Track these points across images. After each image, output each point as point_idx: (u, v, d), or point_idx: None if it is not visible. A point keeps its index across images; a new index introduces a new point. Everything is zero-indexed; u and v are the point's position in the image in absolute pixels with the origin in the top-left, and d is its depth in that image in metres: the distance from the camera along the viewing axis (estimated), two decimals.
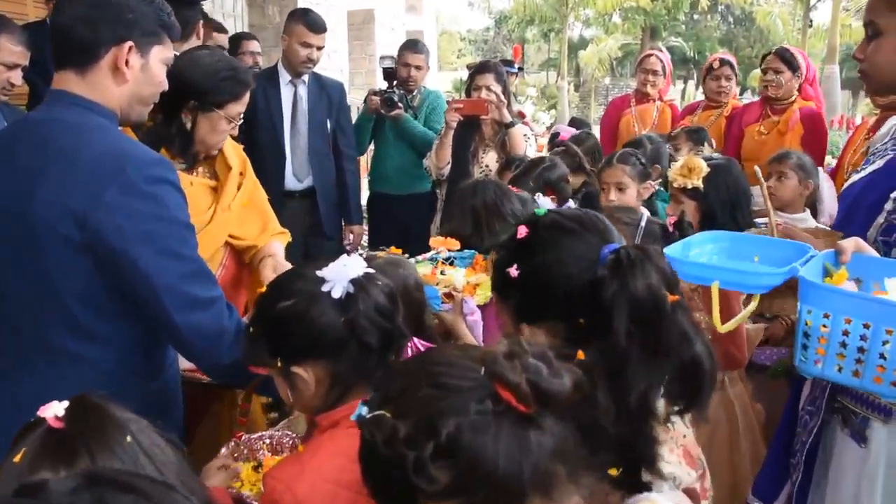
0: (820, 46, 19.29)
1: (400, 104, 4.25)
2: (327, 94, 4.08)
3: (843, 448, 1.71)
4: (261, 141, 3.80)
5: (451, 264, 2.26)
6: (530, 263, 1.21)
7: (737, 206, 2.40)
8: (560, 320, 1.19)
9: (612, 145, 4.96)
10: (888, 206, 1.67)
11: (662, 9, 26.19)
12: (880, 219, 1.68)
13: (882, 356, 1.37)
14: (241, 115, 2.18)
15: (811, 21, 19.64)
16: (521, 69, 5.89)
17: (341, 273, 1.33)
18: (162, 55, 1.64)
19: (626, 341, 1.07)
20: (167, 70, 2.05)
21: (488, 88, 3.74)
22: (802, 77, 4.21)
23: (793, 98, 4.22)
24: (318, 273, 1.34)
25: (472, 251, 2.32)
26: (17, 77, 3.05)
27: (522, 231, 1.24)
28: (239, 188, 2.29)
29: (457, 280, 2.12)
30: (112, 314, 1.56)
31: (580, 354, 0.96)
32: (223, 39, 4.66)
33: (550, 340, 1.19)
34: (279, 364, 1.35)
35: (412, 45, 4.57)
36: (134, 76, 1.59)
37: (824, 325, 1.41)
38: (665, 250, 1.56)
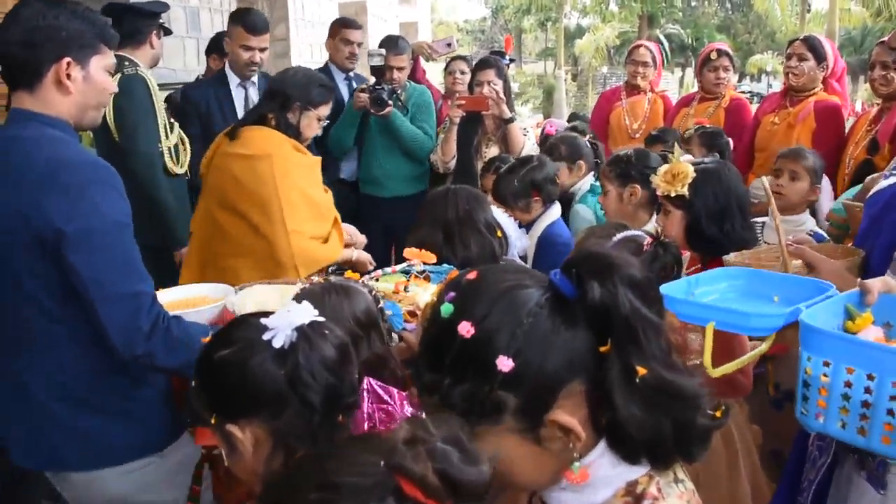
0: (818, 31, 19.18)
1: (390, 102, 4.00)
2: None
3: (860, 493, 1.52)
4: None
5: (425, 278, 2.14)
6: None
7: (725, 216, 2.17)
8: None
9: (603, 139, 4.86)
10: None
11: None
12: None
13: (890, 413, 1.18)
14: (326, 118, 2.83)
15: (809, 6, 19.48)
16: (512, 60, 5.76)
17: (285, 320, 1.20)
18: (102, 63, 1.78)
19: None
20: (279, 80, 2.75)
21: (489, 84, 3.84)
22: (828, 69, 3.95)
23: (815, 89, 3.95)
24: (262, 320, 1.22)
25: (449, 266, 2.20)
26: None
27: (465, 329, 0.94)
28: None
29: (421, 298, 1.98)
30: (74, 297, 1.69)
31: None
32: (355, 35, 4.39)
33: None
34: (214, 421, 1.22)
35: (393, 45, 4.17)
36: (77, 87, 1.73)
37: (825, 375, 1.24)
38: (664, 287, 1.41)
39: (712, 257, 2.17)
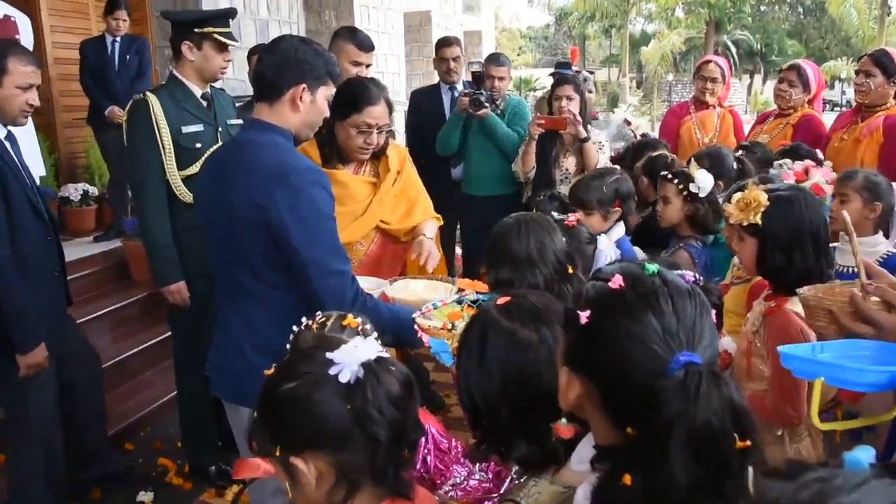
0: None
1: (487, 104, 4.49)
2: None
3: None
4: None
5: (476, 307, 2.06)
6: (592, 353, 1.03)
7: (794, 246, 2.09)
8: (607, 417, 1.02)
9: (673, 153, 4.81)
10: None
11: (727, 0, 25.48)
12: None
13: None
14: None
15: (890, 9, 18.72)
16: (578, 71, 5.81)
17: (351, 355, 1.21)
18: (326, 93, 2.23)
19: (682, 476, 0.86)
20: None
21: (568, 98, 4.21)
22: None
23: (887, 105, 3.81)
24: (328, 355, 1.22)
25: None
26: (33, 97, 2.92)
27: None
28: (394, 184, 3.00)
29: None
30: (283, 269, 2.11)
31: (626, 479, 0.83)
32: (446, 52, 5.07)
33: (597, 432, 1.06)
34: (278, 453, 1.22)
35: (495, 59, 4.90)
36: (305, 108, 2.17)
37: None
38: (783, 347, 1.47)
39: (782, 286, 2.14)
